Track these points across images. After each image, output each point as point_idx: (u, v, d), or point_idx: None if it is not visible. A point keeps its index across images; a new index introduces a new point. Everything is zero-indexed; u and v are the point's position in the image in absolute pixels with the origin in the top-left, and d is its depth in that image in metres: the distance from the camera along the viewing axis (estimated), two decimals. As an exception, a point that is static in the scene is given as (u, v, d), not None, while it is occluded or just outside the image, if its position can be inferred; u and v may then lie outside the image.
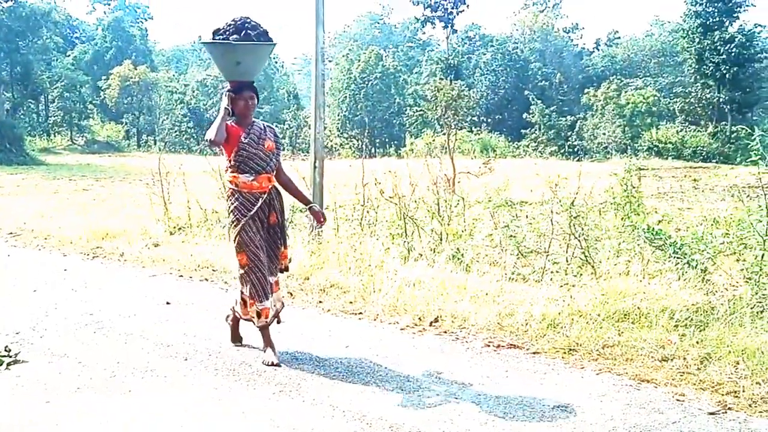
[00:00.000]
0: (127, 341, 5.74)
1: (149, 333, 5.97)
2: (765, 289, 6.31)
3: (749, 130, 7.46)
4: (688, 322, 5.52)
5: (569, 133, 55.16)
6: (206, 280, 8.22)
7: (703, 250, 7.11)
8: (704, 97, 51.92)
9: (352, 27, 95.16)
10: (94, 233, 11.19)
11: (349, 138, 60.77)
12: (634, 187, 9.85)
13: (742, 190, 13.46)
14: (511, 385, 4.73)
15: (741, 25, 50.59)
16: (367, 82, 61.69)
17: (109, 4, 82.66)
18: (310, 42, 9.46)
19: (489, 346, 5.53)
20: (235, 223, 5.13)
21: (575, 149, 51.54)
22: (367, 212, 9.38)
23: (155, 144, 61.27)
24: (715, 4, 49.50)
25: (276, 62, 76.92)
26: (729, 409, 4.20)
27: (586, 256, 7.64)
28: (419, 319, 6.18)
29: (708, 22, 49.72)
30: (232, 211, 5.16)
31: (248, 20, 5.12)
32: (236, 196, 5.17)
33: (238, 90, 5.13)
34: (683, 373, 4.76)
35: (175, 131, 65.04)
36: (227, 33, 5.06)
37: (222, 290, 7.69)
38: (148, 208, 12.33)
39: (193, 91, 66.64)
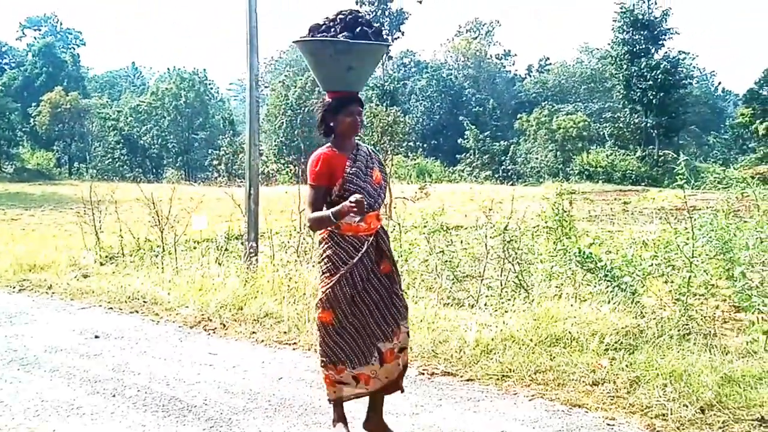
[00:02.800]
0: (53, 378, 5.54)
1: (76, 369, 5.78)
2: (692, 311, 6.46)
3: (674, 155, 7.67)
4: (618, 345, 5.59)
5: (503, 158, 56.11)
6: (137, 312, 8.01)
7: (632, 273, 7.24)
8: (632, 122, 53.33)
9: (289, 53, 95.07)
10: (20, 265, 10.83)
11: (287, 164, 60.52)
12: (565, 211, 10.00)
13: (670, 212, 13.85)
14: (444, 413, 4.70)
15: (666, 52, 52.38)
16: (303, 108, 61.60)
17: (40, 29, 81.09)
18: (245, 68, 9.40)
19: (423, 374, 5.50)
20: (328, 274, 4.04)
21: (509, 173, 52.39)
22: (304, 239, 9.29)
23: (87, 171, 60.09)
24: (641, 32, 51.15)
25: (212, 87, 76.39)
26: (658, 432, 4.24)
27: (519, 280, 7.70)
28: (354, 348, 6.11)
29: (635, 50, 51.32)
30: (325, 259, 4.07)
31: (359, 14, 4.15)
32: (335, 239, 4.04)
33: (343, 103, 4.06)
34: (614, 397, 4.80)
35: (108, 158, 63.93)
36: (335, 30, 4.06)
37: (153, 322, 7.50)
38: (78, 238, 12.02)
39: (127, 118, 65.65)
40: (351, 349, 4.06)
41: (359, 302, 4.05)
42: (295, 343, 6.46)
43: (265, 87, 77.72)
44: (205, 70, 72.32)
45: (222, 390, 5.22)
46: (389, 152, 30.41)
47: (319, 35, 4.07)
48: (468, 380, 5.34)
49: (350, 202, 3.77)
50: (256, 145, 9.51)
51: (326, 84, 4.15)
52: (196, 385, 5.34)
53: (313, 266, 8.50)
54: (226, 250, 10.53)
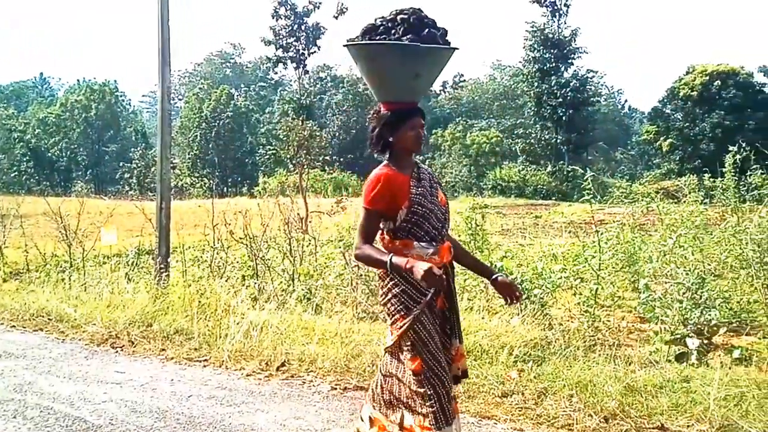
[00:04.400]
0: (-52, 400, 5.28)
1: (-26, 390, 5.52)
2: (599, 322, 6.64)
3: (583, 170, 7.88)
4: (526, 357, 5.69)
5: (422, 172, 56.67)
6: (41, 329, 7.73)
7: (542, 286, 7.40)
8: (543, 138, 54.68)
9: (203, 65, 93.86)
10: None
11: (200, 177, 59.66)
12: (478, 225, 10.15)
13: (579, 226, 14.23)
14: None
15: (575, 71, 53.90)
16: (218, 121, 60.95)
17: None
18: (158, 80, 9.22)
19: (336, 389, 5.48)
20: (402, 313, 3.35)
21: (429, 188, 52.92)
22: (217, 254, 9.16)
23: (-9, 185, 57.84)
24: (552, 51, 52.55)
25: (123, 99, 74.75)
26: (564, 442, 4.32)
27: (433, 294, 7.76)
28: (266, 364, 6.05)
29: (545, 68, 52.68)
30: (392, 299, 3.37)
31: (423, 13, 3.56)
32: (402, 275, 3.33)
33: (405, 116, 3.49)
34: (522, 408, 4.87)
35: (14, 171, 61.72)
36: (396, 32, 3.48)
37: (58, 340, 7.25)
38: (-22, 254, 11.53)
39: (34, 130, 63.57)
40: (442, 401, 3.32)
41: (440, 346, 3.39)
42: (206, 359, 6.34)
43: (179, 99, 76.58)
44: (116, 81, 70.94)
45: (129, 409, 5.07)
46: (305, 166, 30.32)
47: (377, 38, 3.49)
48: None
49: (423, 271, 3.09)
50: (168, 159, 9.33)
51: (385, 93, 3.58)
52: (102, 404, 5.18)
53: (227, 281, 8.39)
54: (137, 265, 10.30)
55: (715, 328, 6.68)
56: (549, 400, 4.90)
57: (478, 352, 5.81)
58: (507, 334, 6.06)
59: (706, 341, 6.44)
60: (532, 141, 56.07)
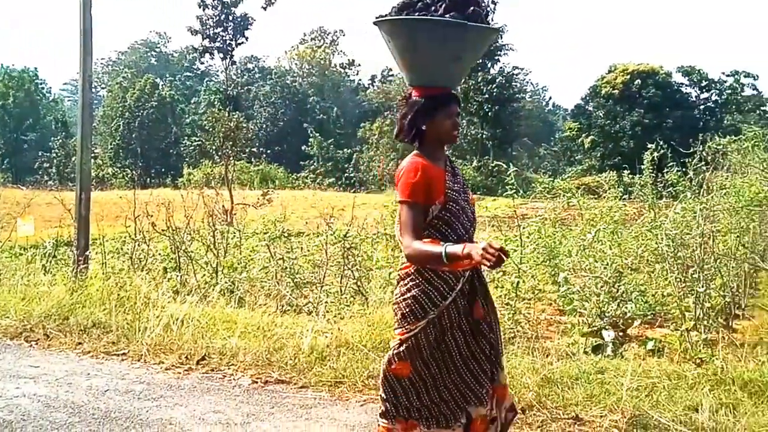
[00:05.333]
0: None
1: None
2: (519, 315, 6.76)
3: (505, 166, 8.00)
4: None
5: (346, 165, 56.69)
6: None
7: (465, 278, 7.48)
8: (469, 133, 55.32)
9: (127, 54, 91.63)
10: None
11: (123, 168, 58.36)
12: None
13: (503, 220, 14.42)
14: (276, 422, 4.66)
15: (501, 67, 54.70)
16: (142, 111, 59.69)
17: None
18: (79, 68, 8.95)
19: (257, 382, 5.43)
20: (412, 319, 3.16)
21: (352, 181, 52.96)
22: (138, 246, 8.97)
23: None
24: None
25: (43, 87, 72.52)
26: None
27: (358, 287, 7.79)
28: (186, 358, 5.95)
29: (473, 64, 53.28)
30: (409, 299, 3.17)
31: None
32: (425, 276, 3.13)
33: (442, 102, 3.20)
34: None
35: None
36: (437, 9, 3.10)
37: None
38: None
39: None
40: (429, 406, 3.17)
41: (445, 352, 3.18)
42: (124, 353, 6.20)
43: (102, 88, 74.69)
44: (36, 68, 68.62)
45: (43, 404, 4.92)
46: (231, 158, 29.97)
47: (415, 15, 3.11)
48: (302, 387, 5.31)
49: (491, 248, 2.74)
50: (89, 148, 9.09)
51: (419, 77, 3.24)
52: (14, 399, 5.01)
53: (147, 273, 8.23)
54: (55, 257, 10.00)
55: (629, 321, 6.89)
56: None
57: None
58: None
59: (621, 333, 6.64)
60: (459, 136, 56.67)
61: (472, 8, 3.12)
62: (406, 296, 3.17)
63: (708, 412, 4.18)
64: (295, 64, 77.55)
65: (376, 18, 3.23)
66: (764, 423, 3.95)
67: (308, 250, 9.61)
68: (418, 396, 3.16)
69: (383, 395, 3.22)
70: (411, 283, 3.15)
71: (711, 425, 4.07)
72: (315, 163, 57.14)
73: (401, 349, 3.16)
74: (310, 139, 57.58)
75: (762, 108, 53.86)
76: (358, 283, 7.91)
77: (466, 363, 3.18)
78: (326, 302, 7.37)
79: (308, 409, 4.87)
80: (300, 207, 24.98)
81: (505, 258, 2.75)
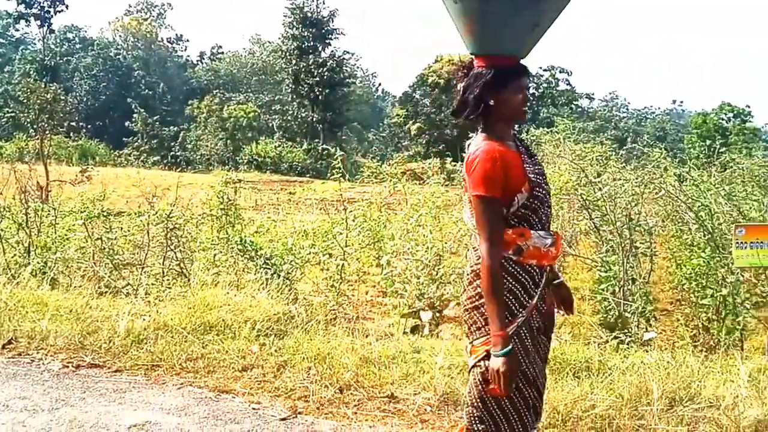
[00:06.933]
0: None
1: None
2: (344, 296, 6.92)
3: (331, 150, 8.12)
4: (269, 331, 5.73)
5: (173, 144, 55.10)
6: None
7: (292, 261, 7.56)
8: (300, 116, 55.24)
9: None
10: None
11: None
12: (230, 200, 10.12)
13: (331, 203, 14.61)
14: (87, 407, 4.50)
15: (332, 51, 55.04)
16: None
17: None
18: None
19: (68, 367, 5.21)
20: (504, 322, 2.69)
21: (178, 160, 51.51)
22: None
23: None
24: (310, 30, 53.20)
25: None
26: (299, 413, 4.44)
27: (181, 268, 7.66)
28: (-9, 342, 5.62)
29: (303, 46, 53.28)
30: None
31: None
32: (510, 270, 2.76)
33: (513, 75, 2.82)
34: (261, 381, 4.93)
35: None
36: None
37: None
38: None
39: None
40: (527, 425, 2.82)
41: (534, 360, 2.82)
42: None
43: None
44: None
45: None
46: (47, 131, 28.32)
47: None
48: (116, 371, 5.16)
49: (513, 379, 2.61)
50: None
51: (488, 45, 2.82)
52: None
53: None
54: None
55: (446, 302, 7.21)
56: (288, 373, 4.98)
57: (221, 326, 5.78)
58: (251, 308, 6.08)
59: (438, 314, 6.94)
60: (289, 118, 56.49)
61: None
62: (483, 299, 2.75)
63: (513, 387, 4.45)
64: (120, 36, 74.21)
65: None
66: (563, 397, 4.25)
67: (129, 231, 9.31)
68: (520, 418, 2.79)
69: (481, 426, 2.81)
70: (506, 276, 2.76)
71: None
72: (139, 140, 55.01)
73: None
74: (135, 115, 55.33)
75: (575, 102, 57.38)
76: (181, 264, 7.78)
77: (542, 370, 2.89)
78: (147, 284, 7.19)
79: (122, 393, 4.75)
80: (122, 185, 24.03)
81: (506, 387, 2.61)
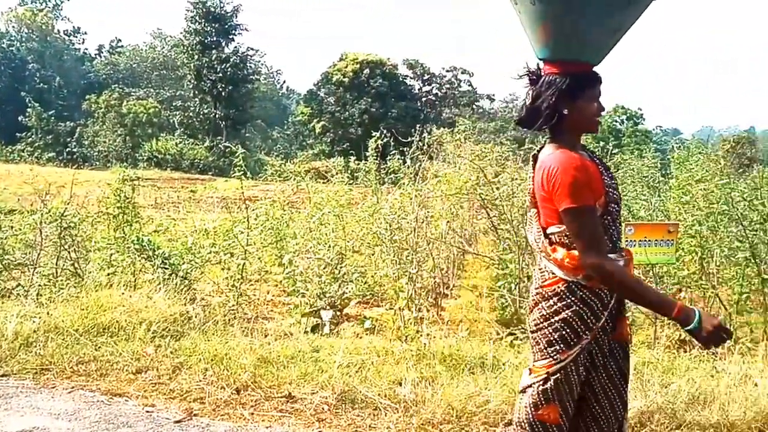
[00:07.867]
0: None
1: None
2: (244, 296, 6.86)
3: (234, 148, 8.02)
4: (165, 332, 5.64)
5: (69, 140, 53.30)
6: None
7: (191, 261, 7.44)
8: (202, 112, 54.31)
9: None
10: None
11: None
12: (128, 198, 9.86)
13: (233, 201, 14.45)
14: (-28, 415, 4.34)
15: (236, 47, 54.29)
16: None
17: None
18: None
19: None
20: (562, 347, 2.68)
21: (75, 156, 49.83)
22: None
23: None
24: (213, 25, 52.34)
25: None
26: (195, 415, 4.39)
27: (75, 269, 7.44)
28: None
29: (206, 41, 52.40)
30: (559, 322, 2.68)
31: None
32: (579, 294, 2.67)
33: (589, 82, 2.70)
34: (155, 384, 4.84)
35: None
36: None
37: None
38: None
39: None
40: None
41: (592, 386, 2.76)
42: None
43: None
44: None
45: None
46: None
47: None
48: (2, 376, 4.98)
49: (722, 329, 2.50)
50: None
51: (564, 50, 2.66)
52: None
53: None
54: None
55: (347, 301, 7.25)
56: (184, 375, 4.92)
57: (114, 328, 5.64)
58: (148, 309, 5.96)
59: (339, 313, 6.97)
60: (191, 114, 55.49)
61: None
62: (553, 320, 2.68)
63: (410, 386, 4.52)
64: (13, 27, 71.13)
65: None
66: (458, 394, 4.35)
67: (20, 229, 8.98)
68: None
69: None
70: (560, 304, 2.67)
71: (412, 397, 4.40)
72: (33, 136, 52.91)
73: (548, 385, 2.68)
74: (29, 110, 53.17)
75: (476, 103, 58.35)
76: (75, 264, 7.55)
77: (606, 395, 2.78)
78: (39, 285, 6.95)
79: (8, 399, 4.58)
80: (14, 182, 23.13)
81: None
